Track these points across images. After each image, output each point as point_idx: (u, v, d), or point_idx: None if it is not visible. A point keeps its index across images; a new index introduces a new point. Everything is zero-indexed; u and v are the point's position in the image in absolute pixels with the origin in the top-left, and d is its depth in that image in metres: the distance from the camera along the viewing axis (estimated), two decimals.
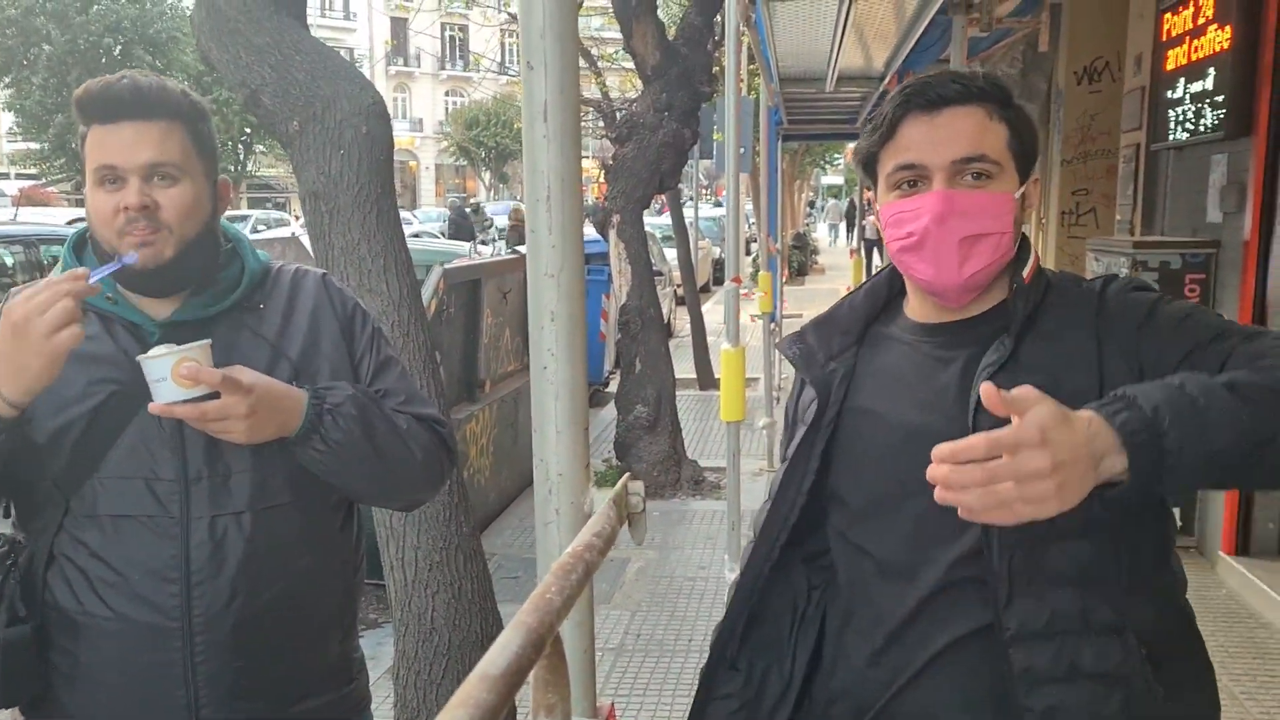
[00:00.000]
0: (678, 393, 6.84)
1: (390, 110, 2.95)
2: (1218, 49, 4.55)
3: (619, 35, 6.78)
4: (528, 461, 1.08)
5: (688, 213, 13.04)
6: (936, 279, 1.29)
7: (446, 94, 51.79)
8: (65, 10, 34.42)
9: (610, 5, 6.73)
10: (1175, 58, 5.01)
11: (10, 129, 39.55)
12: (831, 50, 7.08)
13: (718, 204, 27.94)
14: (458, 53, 49.78)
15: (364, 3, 46.66)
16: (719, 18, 6.66)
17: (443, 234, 19.01)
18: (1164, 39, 5.12)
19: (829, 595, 1.43)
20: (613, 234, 6.50)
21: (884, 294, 1.44)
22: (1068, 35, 6.89)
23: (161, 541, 1.44)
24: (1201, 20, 4.70)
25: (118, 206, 1.43)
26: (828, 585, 1.44)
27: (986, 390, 0.98)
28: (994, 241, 1.27)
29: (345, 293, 1.68)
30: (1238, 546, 4.59)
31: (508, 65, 19.31)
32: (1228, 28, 4.45)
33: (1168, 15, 5.09)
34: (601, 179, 6.92)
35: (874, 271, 2.25)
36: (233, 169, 37.16)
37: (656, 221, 14.78)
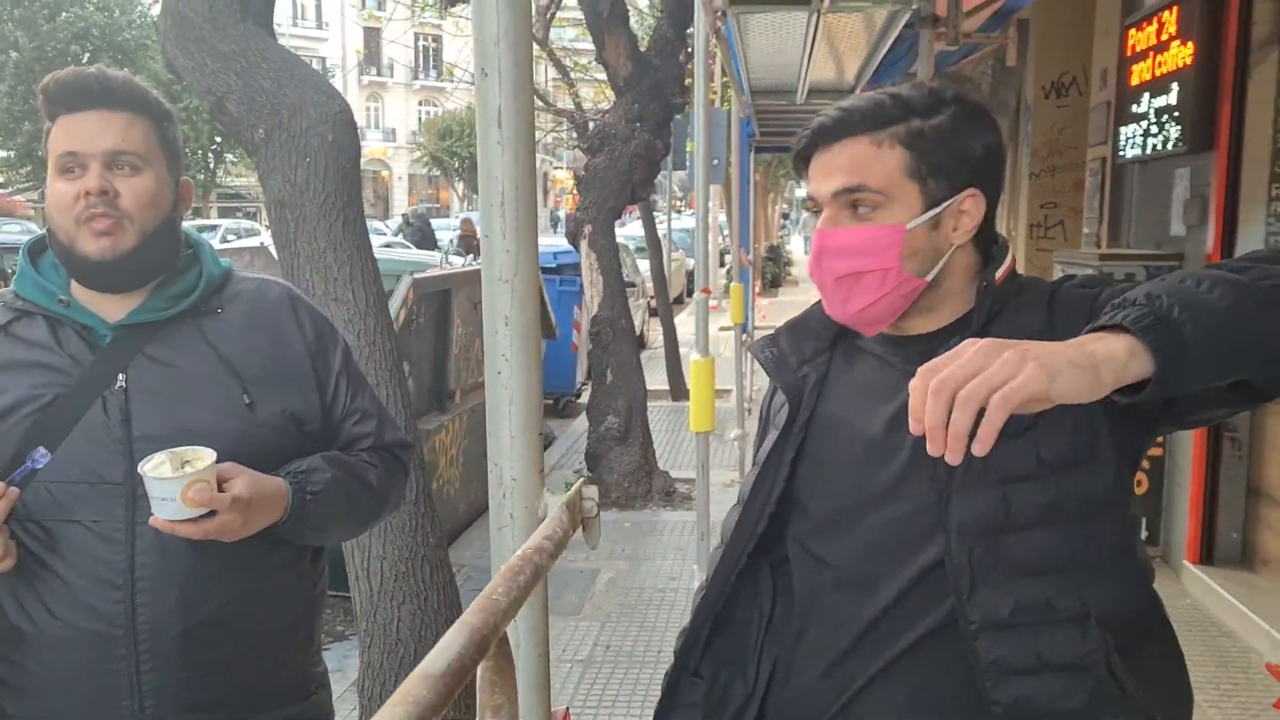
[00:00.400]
0: (650, 404, 6.85)
1: (363, 120, 2.96)
2: (1180, 65, 4.62)
3: (592, 46, 6.80)
4: None
5: (661, 224, 13.07)
6: (833, 314, 1.32)
7: (420, 104, 51.66)
8: (33, 17, 34.10)
9: (583, 16, 6.75)
10: (1139, 73, 5.09)
11: None
12: (802, 63, 7.14)
13: (693, 215, 28.05)
14: (431, 63, 49.73)
15: (336, 12, 46.54)
16: (690, 29, 6.72)
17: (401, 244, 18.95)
18: (1128, 54, 5.21)
19: (786, 604, 1.43)
20: (584, 245, 6.50)
21: None
22: (1035, 50, 6.99)
23: (106, 547, 1.42)
24: (1165, 36, 4.78)
25: (78, 193, 1.42)
26: (787, 593, 1.43)
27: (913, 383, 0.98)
28: (876, 278, 1.25)
29: (314, 309, 1.65)
30: (1201, 555, 4.65)
31: None
32: (1189, 44, 4.53)
33: (1132, 31, 5.17)
34: (575, 189, 6.93)
35: None
36: (202, 178, 36.88)
37: (630, 233, 14.80)
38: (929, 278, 1.28)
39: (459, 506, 5.74)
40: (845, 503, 1.32)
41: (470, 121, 42.24)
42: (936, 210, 1.26)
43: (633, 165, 6.38)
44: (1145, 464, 4.37)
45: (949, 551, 1.21)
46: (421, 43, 48.29)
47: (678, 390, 9.57)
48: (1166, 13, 4.75)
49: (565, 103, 10.32)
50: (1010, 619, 1.19)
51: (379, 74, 49.99)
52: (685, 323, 12.58)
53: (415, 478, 2.78)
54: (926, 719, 1.26)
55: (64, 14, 34.19)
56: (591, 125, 6.98)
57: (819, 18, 5.21)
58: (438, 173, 48.86)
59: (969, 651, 1.20)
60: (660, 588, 4.96)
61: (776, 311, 16.45)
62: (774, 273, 21.12)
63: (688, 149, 9.81)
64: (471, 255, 12.84)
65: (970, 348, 0.96)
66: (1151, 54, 4.93)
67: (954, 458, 0.95)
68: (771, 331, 1.48)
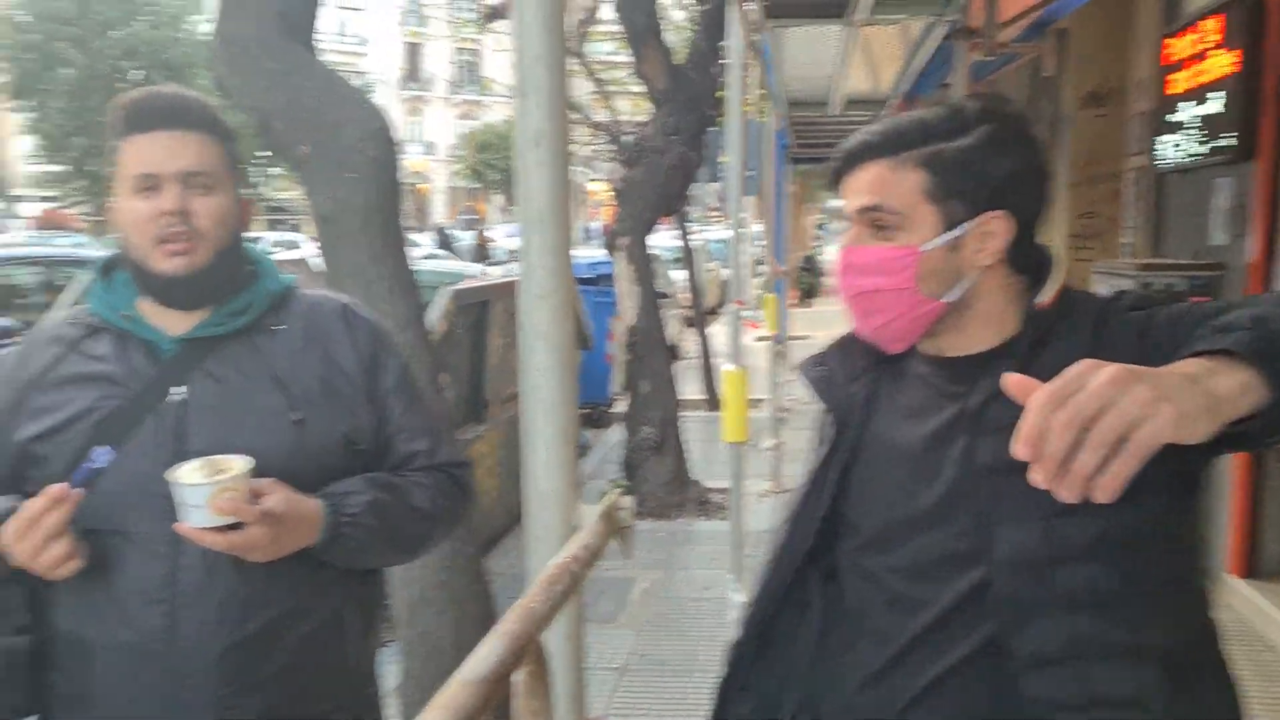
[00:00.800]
0: (686, 414, 6.86)
1: (403, 134, 3.01)
2: (1221, 74, 4.57)
3: (630, 59, 6.85)
4: None
5: (696, 236, 13.09)
6: (857, 330, 1.33)
7: (459, 117, 52.12)
8: (85, 35, 34.80)
9: (621, 30, 6.80)
10: (1178, 82, 5.03)
11: (31, 151, 39.94)
12: (837, 75, 7.14)
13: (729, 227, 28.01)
14: (470, 76, 50.15)
15: (378, 29, 47.07)
16: (725, 42, 6.74)
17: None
18: (1167, 63, 5.16)
19: (837, 617, 1.42)
20: (620, 255, 6.54)
21: None
22: (1074, 60, 6.93)
23: (150, 560, 1.42)
24: (1204, 45, 4.73)
25: (155, 212, 1.44)
26: (837, 607, 1.42)
27: (1007, 379, 0.94)
28: (891, 297, 1.26)
29: (371, 324, 1.63)
30: (1244, 568, 4.57)
31: None
32: (1232, 53, 4.48)
33: (1171, 40, 5.12)
34: (611, 202, 6.97)
35: None
36: (248, 191, 37.26)
37: (665, 244, 14.84)
38: (949, 299, 1.27)
39: (496, 515, 5.78)
40: (892, 521, 1.31)
41: (508, 134, 42.55)
42: (955, 233, 1.26)
43: (669, 177, 6.41)
44: None
45: (994, 582, 1.20)
46: (461, 57, 48.73)
47: (712, 400, 9.57)
48: (1206, 22, 4.70)
49: (602, 116, 10.39)
50: (1059, 654, 1.16)
51: (419, 88, 50.51)
52: (720, 333, 12.57)
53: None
54: None
55: (115, 32, 34.87)
56: (628, 138, 7.02)
57: (855, 30, 5.22)
58: (476, 185, 49.23)
59: (1015, 686, 1.18)
60: (695, 597, 4.97)
61: (812, 322, 16.40)
62: (809, 283, 21.02)
63: (722, 160, 9.84)
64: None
65: (1096, 374, 0.90)
66: (1191, 63, 4.88)
67: (1070, 495, 0.90)
68: (820, 349, 1.47)
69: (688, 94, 6.38)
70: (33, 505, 1.34)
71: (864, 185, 1.28)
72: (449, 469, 1.63)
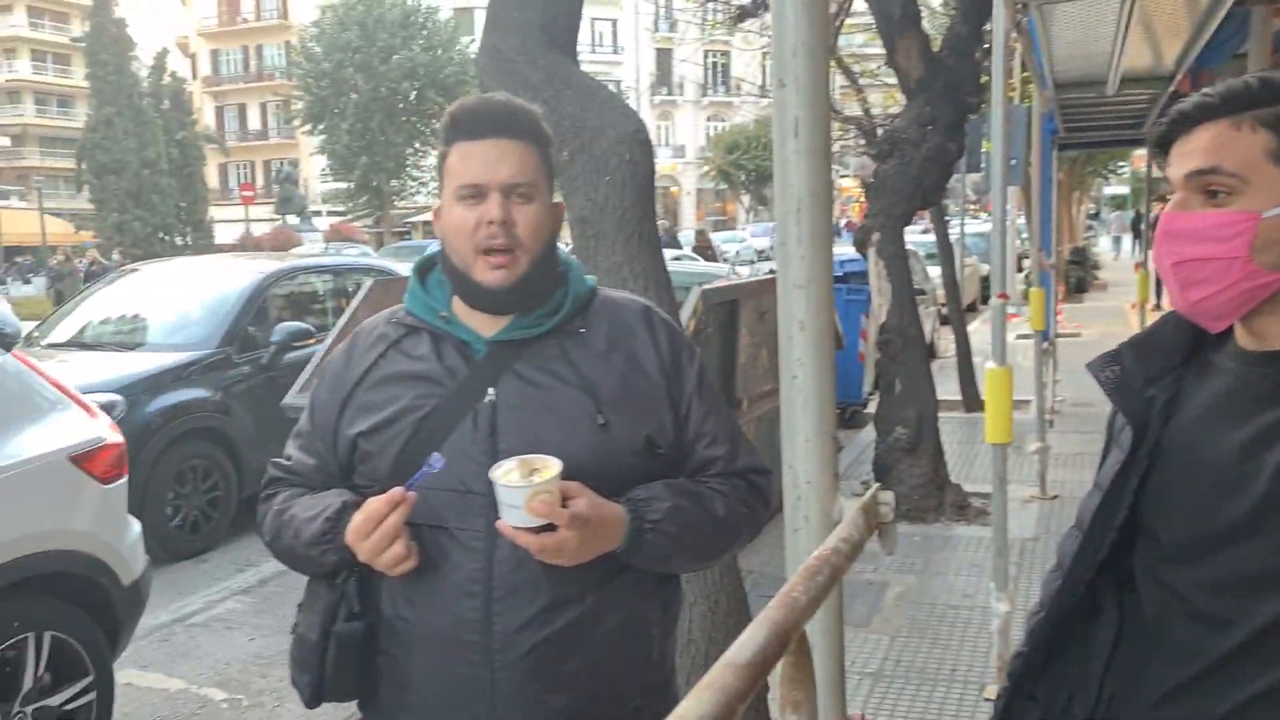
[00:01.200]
0: (941, 414, 6.61)
1: (654, 138, 3.07)
2: None
3: (881, 51, 6.68)
4: None
5: (954, 229, 12.59)
6: (1173, 304, 1.22)
7: (708, 119, 52.77)
8: (369, 60, 37.93)
9: (873, 21, 6.65)
10: None
11: (323, 171, 44.08)
12: (1114, 51, 6.64)
13: (986, 219, 26.76)
14: (719, 78, 50.65)
15: (631, 36, 48.47)
16: (987, 26, 6.43)
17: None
18: None
19: (1133, 628, 1.34)
20: (872, 252, 6.39)
21: None
22: None
23: (467, 555, 1.46)
24: None
25: (480, 220, 1.49)
26: (1134, 617, 1.34)
27: None
28: (1220, 267, 1.15)
29: (672, 326, 1.64)
30: None
31: (769, 88, 19.44)
32: None
33: None
34: (862, 197, 6.82)
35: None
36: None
37: (920, 239, 14.37)
38: None
39: None
40: (1197, 533, 1.22)
41: (758, 134, 42.67)
42: None
43: (924, 169, 6.20)
44: None
45: None
46: (710, 59, 49.33)
47: (971, 401, 9.17)
48: None
49: (853, 109, 10.19)
50: None
51: (669, 93, 51.57)
52: (979, 331, 12.03)
53: None
54: None
55: (396, 56, 37.81)
56: (881, 130, 6.86)
57: (1134, 1, 4.84)
58: (724, 186, 49.66)
59: None
60: (953, 604, 4.78)
61: (1081, 318, 15.37)
62: (1079, 277, 19.72)
63: (984, 150, 9.40)
64: None
65: None
66: None
67: None
68: (1114, 347, 1.38)
69: (945, 82, 6.15)
70: (374, 507, 1.42)
71: (1198, 147, 1.19)
72: (748, 476, 1.61)
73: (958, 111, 6.24)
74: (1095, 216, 39.55)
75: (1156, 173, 15.07)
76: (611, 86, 2.92)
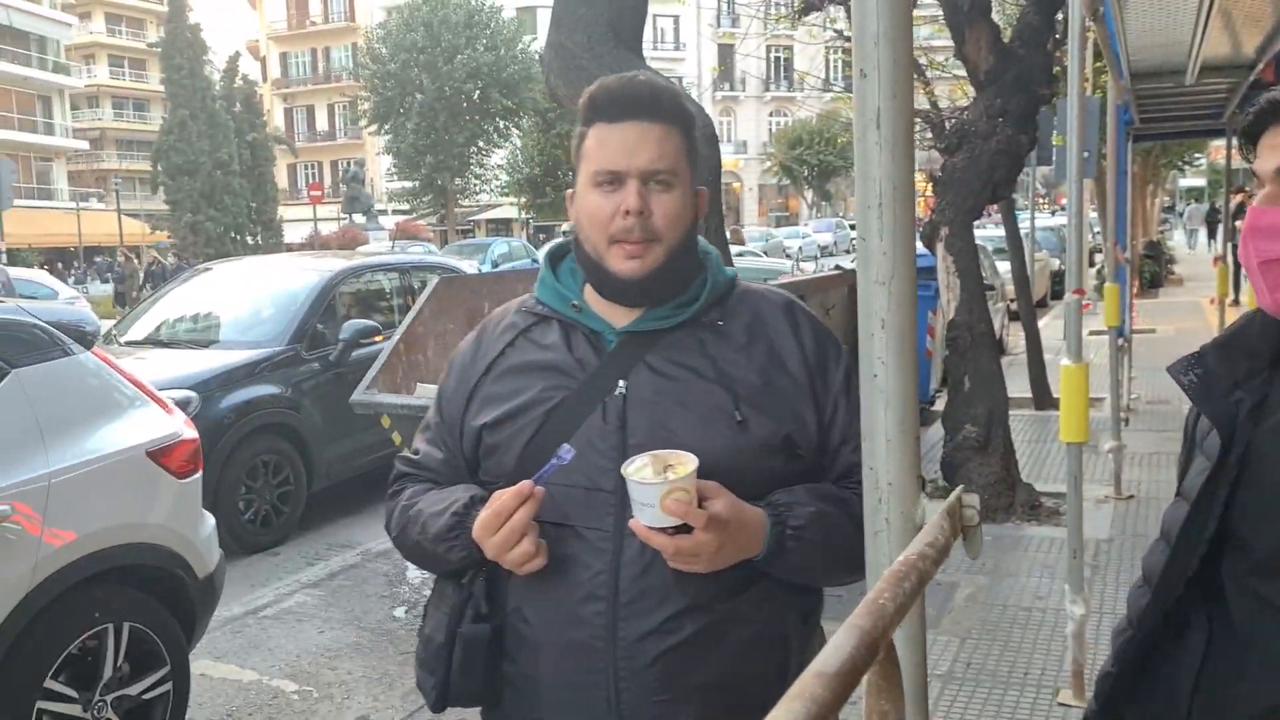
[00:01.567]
0: (1011, 412, 6.48)
1: (718, 134, 3.05)
2: None
3: (948, 43, 6.56)
4: None
5: (1023, 223, 12.34)
6: (1261, 303, 1.16)
7: (770, 115, 52.47)
8: (434, 61, 38.37)
9: (940, 13, 6.53)
10: None
11: (388, 170, 44.74)
12: (1193, 39, 6.45)
13: (1055, 213, 26.24)
14: (782, 73, 50.34)
15: (693, 32, 48.38)
16: (1060, 15, 6.28)
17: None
18: None
19: (1223, 642, 1.29)
20: (940, 247, 6.28)
21: None
22: None
23: (594, 555, 1.39)
24: None
25: (616, 208, 1.41)
26: (1224, 630, 1.29)
27: None
28: None
29: (816, 322, 1.54)
30: None
31: (832, 82, 19.25)
32: None
33: None
34: (928, 191, 6.71)
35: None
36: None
37: (988, 234, 14.11)
38: None
39: None
40: None
41: (820, 130, 42.35)
42: None
43: (994, 163, 6.07)
44: None
45: None
46: (773, 54, 49.04)
47: (1041, 398, 8.99)
48: None
49: (919, 102, 10.04)
50: None
51: (731, 89, 51.39)
52: (1050, 327, 11.78)
53: None
54: None
55: (460, 56, 38.22)
56: (949, 123, 6.74)
57: None
58: (787, 182, 49.35)
59: None
60: (1025, 606, 4.68)
61: (1156, 313, 14.97)
62: (1153, 271, 19.22)
63: (1054, 142, 9.19)
64: None
65: None
66: None
67: None
68: (1197, 349, 1.32)
69: (1016, 73, 6.01)
70: (502, 501, 1.36)
71: None
72: None
73: (1030, 103, 6.10)
74: (1170, 209, 38.51)
75: (1236, 164, 14.61)
76: (675, 82, 2.90)
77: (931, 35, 12.90)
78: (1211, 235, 26.29)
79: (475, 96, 38.95)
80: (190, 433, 3.75)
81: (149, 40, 49.75)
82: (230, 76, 37.28)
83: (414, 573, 5.67)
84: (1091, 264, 15.48)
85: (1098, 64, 7.60)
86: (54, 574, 3.13)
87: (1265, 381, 1.23)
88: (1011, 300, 11.50)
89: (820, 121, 39.93)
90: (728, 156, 47.71)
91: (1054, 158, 9.77)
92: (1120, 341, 7.19)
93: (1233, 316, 9.04)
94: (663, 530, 1.28)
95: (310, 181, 47.89)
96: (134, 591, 3.46)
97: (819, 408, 1.46)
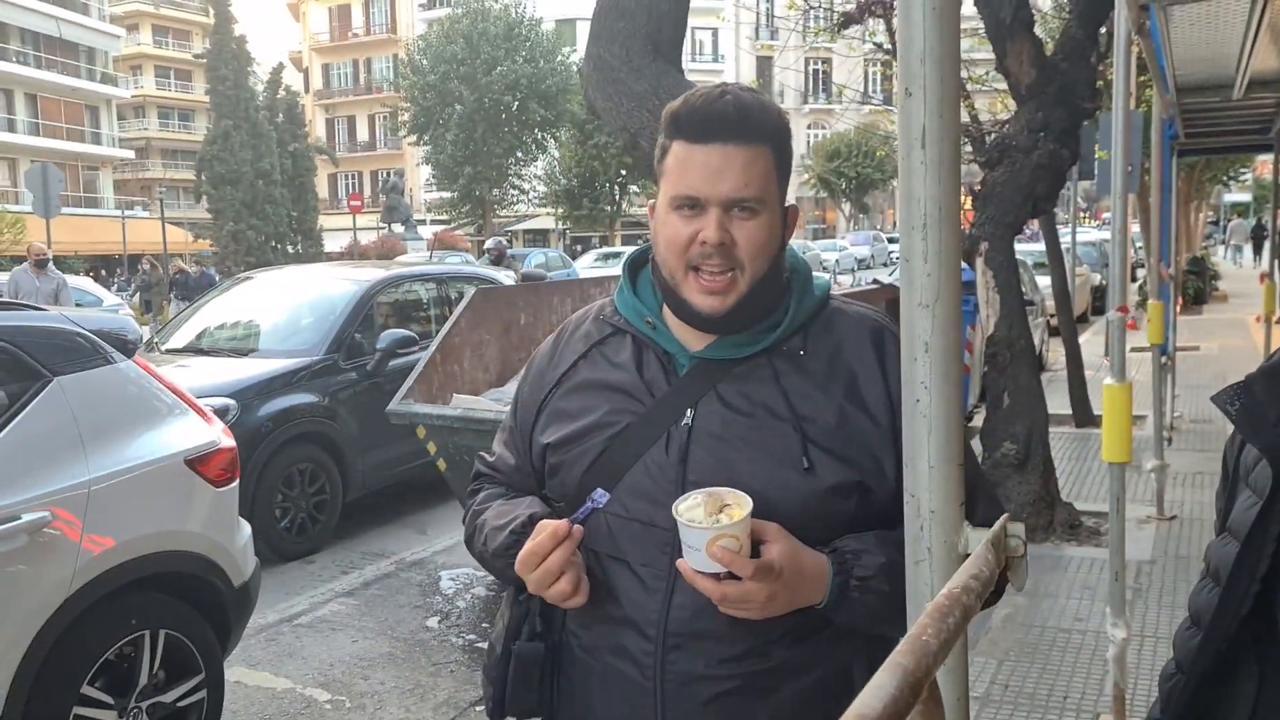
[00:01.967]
0: (1051, 429, 6.39)
1: None
2: None
3: (988, 56, 6.50)
4: None
5: (1064, 237, 12.18)
6: None
7: (808, 127, 52.34)
8: (474, 73, 38.65)
9: (981, 26, 6.47)
10: None
11: (427, 180, 45.11)
12: (1241, 53, 6.34)
13: (1098, 227, 25.90)
14: (820, 86, 50.23)
15: (732, 44, 48.40)
16: (1104, 28, 6.20)
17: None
18: None
19: (1276, 685, 1.23)
20: (980, 262, 6.21)
21: None
22: None
23: (645, 593, 1.35)
24: None
25: (694, 236, 1.33)
26: (1276, 675, 1.23)
27: None
28: None
29: None
30: None
31: (871, 94, 19.16)
32: None
33: None
34: (968, 205, 6.64)
35: None
36: (609, 209, 39.93)
37: (1028, 248, 13.95)
38: None
39: None
40: None
41: (858, 142, 42.16)
42: None
43: (1035, 177, 6.00)
44: None
45: None
46: (812, 66, 48.95)
47: (1081, 415, 8.86)
48: None
49: (960, 116, 9.95)
50: None
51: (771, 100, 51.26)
52: (1090, 343, 11.62)
53: None
54: None
55: (499, 68, 38.47)
56: (989, 137, 6.67)
57: (1266, 2, 4.60)
58: (824, 194, 49.18)
59: None
60: (1065, 628, 4.60)
61: (1200, 330, 14.72)
62: (1197, 288, 18.92)
63: (1097, 156, 9.07)
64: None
65: None
66: None
67: None
68: (1243, 377, 1.26)
69: (1059, 87, 5.94)
70: (539, 541, 1.32)
71: None
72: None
73: (1072, 117, 6.03)
74: (1216, 224, 37.89)
75: None
76: (761, 93, 2.87)
77: (971, 48, 12.81)
78: (1257, 251, 25.83)
79: (514, 108, 39.20)
80: (228, 441, 3.78)
81: (195, 51, 50.57)
82: (274, 87, 37.81)
83: (447, 583, 5.67)
84: (1133, 279, 15.24)
85: (1142, 77, 7.49)
86: (93, 580, 3.16)
87: None
88: (1052, 315, 11.35)
89: (858, 134, 39.82)
90: None
91: (1095, 171, 9.66)
92: (1163, 359, 7.07)
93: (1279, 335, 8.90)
94: (711, 575, 1.23)
95: (350, 191, 48.39)
96: (170, 599, 3.49)
97: (899, 451, 1.33)
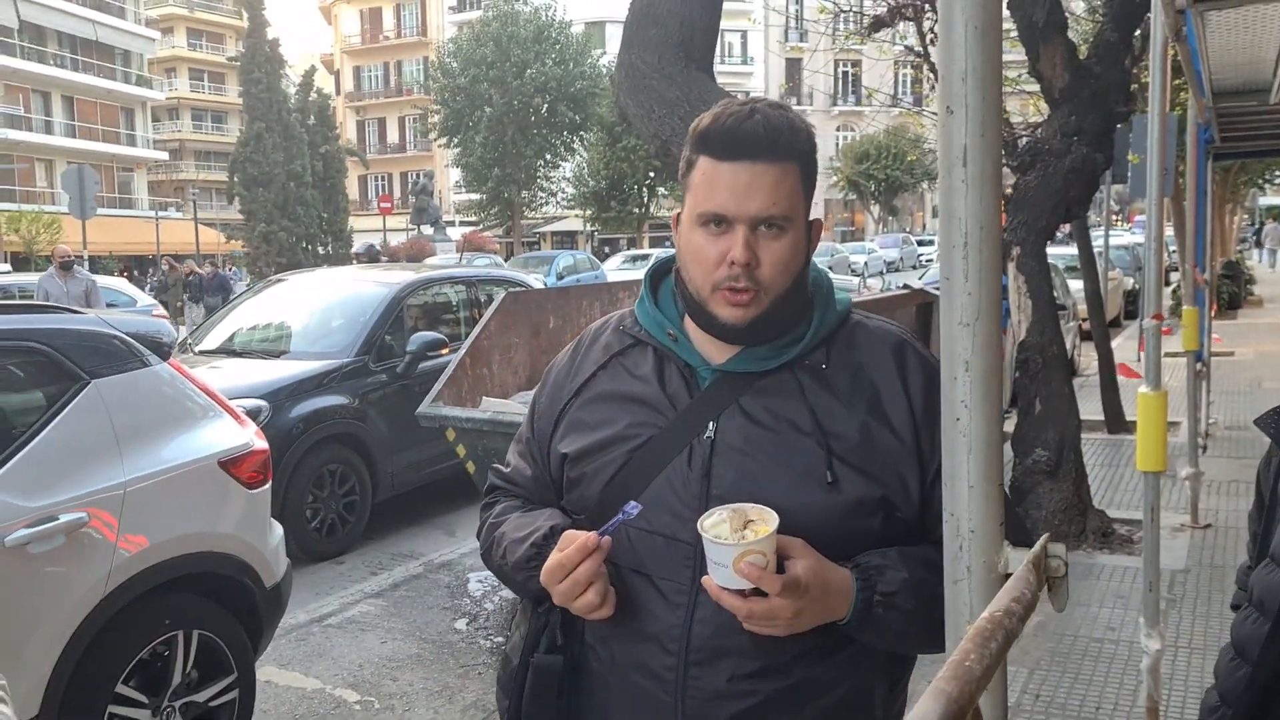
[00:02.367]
0: (1083, 435, 6.33)
1: None
2: None
3: (1020, 58, 6.45)
4: None
5: (1097, 242, 12.06)
6: None
7: (837, 129, 52.16)
8: (503, 76, 38.79)
9: (1014, 29, 6.42)
10: None
11: (456, 182, 45.34)
12: (1278, 57, 6.25)
13: (1130, 230, 25.62)
14: (849, 88, 50.04)
15: (761, 47, 48.32)
16: (1138, 32, 6.14)
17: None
18: None
19: None
20: (1011, 267, 6.16)
21: None
22: None
23: (666, 608, 1.34)
24: None
25: (722, 255, 1.32)
26: None
27: None
28: None
29: (928, 365, 1.39)
30: None
31: (900, 97, 19.05)
32: None
33: None
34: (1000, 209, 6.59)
35: None
36: (637, 211, 39.94)
37: (1060, 251, 13.82)
38: None
39: None
40: None
41: (888, 145, 41.96)
42: None
43: (1068, 181, 5.94)
44: None
45: None
46: (841, 68, 48.78)
47: (1114, 422, 8.77)
48: None
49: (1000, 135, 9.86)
50: None
51: (799, 103, 51.15)
52: (1123, 347, 11.50)
53: None
54: None
55: (529, 71, 38.59)
56: (1022, 141, 6.61)
57: None
58: (853, 197, 48.99)
59: None
60: (1097, 637, 4.55)
61: (1235, 335, 14.52)
62: (1232, 292, 18.68)
63: (1130, 160, 8.97)
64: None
65: None
66: None
67: None
68: None
69: (1092, 90, 5.89)
70: (567, 553, 1.31)
71: None
72: None
73: (1106, 121, 5.97)
74: (1251, 226, 37.35)
75: None
76: (742, 97, 2.87)
77: (1004, 50, 12.70)
78: None
79: (543, 110, 39.30)
80: (261, 444, 3.81)
81: (228, 54, 51.11)
82: (306, 90, 38.11)
83: (475, 585, 5.69)
84: (1167, 283, 15.07)
85: (1176, 81, 7.41)
86: (128, 580, 3.20)
87: None
88: (1084, 320, 11.24)
89: (888, 137, 39.62)
90: None
91: (1129, 175, 9.55)
92: (1198, 365, 6.98)
93: None
94: (737, 592, 1.23)
95: (380, 193, 48.74)
96: (203, 599, 3.53)
97: (923, 467, 1.34)
